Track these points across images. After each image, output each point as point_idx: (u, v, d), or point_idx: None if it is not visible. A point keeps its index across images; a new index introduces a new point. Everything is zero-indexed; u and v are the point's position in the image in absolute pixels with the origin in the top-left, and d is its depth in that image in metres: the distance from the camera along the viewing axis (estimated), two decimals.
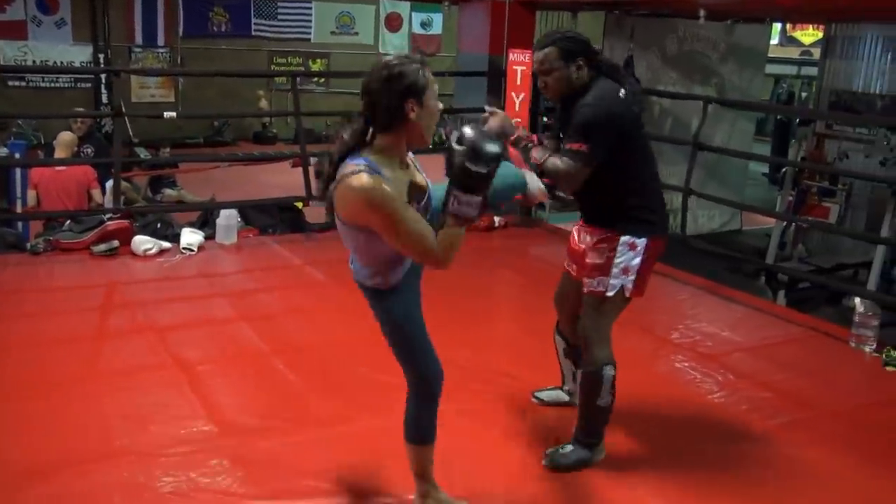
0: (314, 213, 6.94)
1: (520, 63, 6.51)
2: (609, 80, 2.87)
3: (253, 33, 14.57)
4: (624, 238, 2.92)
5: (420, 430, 2.54)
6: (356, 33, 15.54)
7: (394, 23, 15.75)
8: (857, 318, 4.55)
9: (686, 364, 4.18)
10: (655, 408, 3.67)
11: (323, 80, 15.07)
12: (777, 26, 12.79)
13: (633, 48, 8.21)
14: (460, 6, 7.84)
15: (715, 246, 7.36)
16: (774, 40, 12.75)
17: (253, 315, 4.59)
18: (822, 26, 10.04)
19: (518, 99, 6.56)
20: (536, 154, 2.86)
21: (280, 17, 14.69)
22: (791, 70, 14.89)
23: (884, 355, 4.28)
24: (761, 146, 12.98)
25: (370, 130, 2.25)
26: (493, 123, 2.88)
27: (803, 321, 5.03)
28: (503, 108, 6.73)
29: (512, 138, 2.90)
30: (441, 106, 2.26)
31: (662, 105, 8.62)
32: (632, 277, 2.93)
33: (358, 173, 2.14)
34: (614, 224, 2.95)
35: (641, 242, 2.92)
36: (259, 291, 5.14)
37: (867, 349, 4.43)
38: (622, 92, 2.84)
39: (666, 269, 5.86)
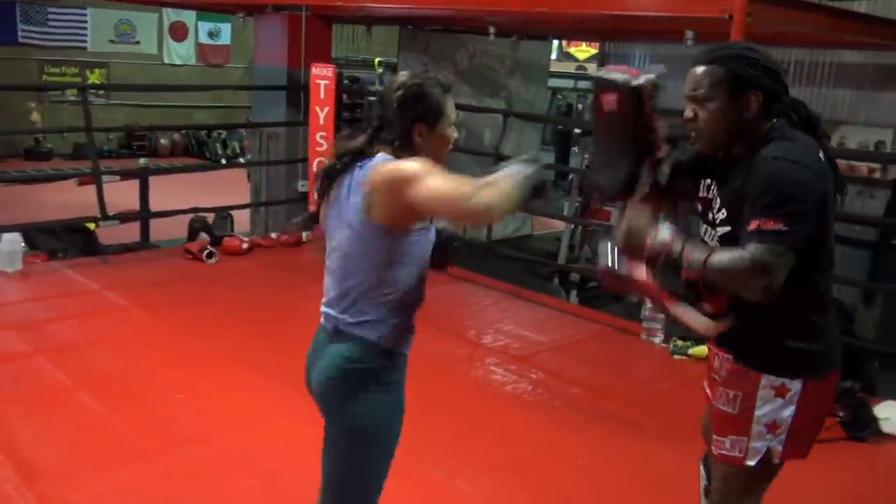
0: (108, 234, 6.56)
1: (323, 77, 6.51)
2: (798, 131, 1.93)
3: (20, 40, 13.43)
4: (767, 378, 1.94)
5: None
6: (137, 42, 14.77)
7: (179, 32, 15.13)
8: (646, 313, 5.00)
9: (500, 366, 4.39)
10: (477, 410, 3.83)
11: (102, 91, 14.17)
12: (555, 43, 13.64)
13: (428, 62, 8.47)
14: (255, 18, 7.70)
15: (511, 251, 7.76)
16: (552, 55, 13.60)
17: (50, 347, 4.26)
18: (596, 44, 10.87)
19: (322, 113, 6.55)
20: (690, 255, 1.86)
21: (51, 23, 13.64)
22: (568, 83, 15.96)
23: (671, 345, 4.73)
24: (546, 154, 13.80)
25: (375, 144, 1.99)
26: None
27: (598, 318, 5.45)
28: (306, 123, 6.71)
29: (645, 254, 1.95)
30: (456, 135, 2.03)
31: (458, 117, 8.96)
32: (782, 436, 1.96)
33: (390, 159, 1.91)
34: (754, 353, 1.97)
35: (795, 386, 1.93)
36: (53, 321, 4.76)
37: (656, 340, 4.87)
38: (821, 155, 1.91)
39: (470, 276, 6.12)
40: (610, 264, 2.03)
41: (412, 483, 3.11)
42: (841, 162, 2.24)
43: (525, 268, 7.81)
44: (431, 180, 1.80)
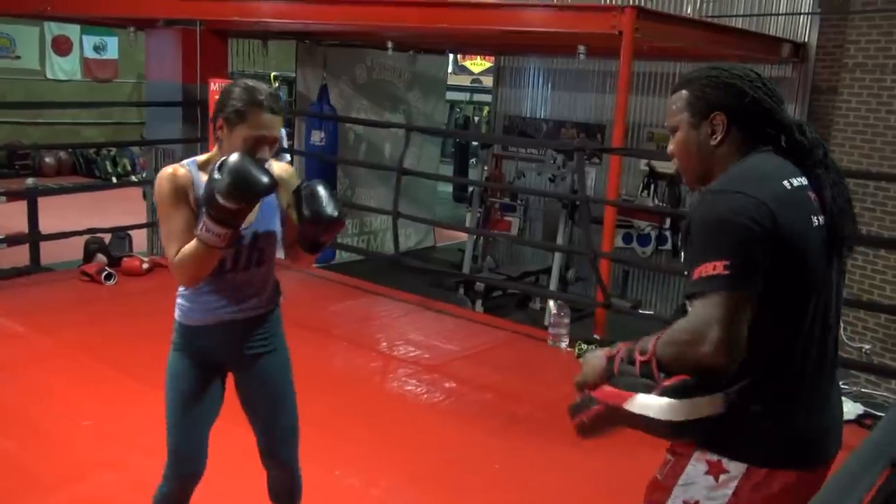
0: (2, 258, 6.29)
1: None
2: (773, 156, 1.62)
3: None
4: (702, 451, 1.59)
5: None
6: (18, 57, 14.13)
7: (62, 46, 14.55)
8: (551, 319, 5.15)
9: (414, 377, 4.44)
10: (392, 420, 3.87)
11: None
12: (450, 56, 13.86)
13: (326, 77, 8.47)
14: (146, 32, 7.52)
15: (422, 263, 7.84)
16: (449, 69, 13.83)
17: None
18: (491, 57, 11.11)
19: None
20: (642, 345, 1.56)
21: None
22: (464, 96, 16.25)
23: (576, 349, 4.90)
24: (445, 167, 13.98)
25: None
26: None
27: (505, 326, 5.57)
28: (204, 139, 6.59)
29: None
30: (266, 157, 2.14)
31: (356, 132, 9.00)
32: None
33: (168, 166, 2.20)
34: (699, 424, 1.56)
35: (734, 469, 1.56)
36: None
37: (562, 345, 5.03)
38: (791, 182, 1.57)
39: (378, 289, 6.15)
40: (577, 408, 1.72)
41: (328, 492, 3.12)
42: None
43: (430, 279, 7.90)
44: (163, 223, 2.16)
